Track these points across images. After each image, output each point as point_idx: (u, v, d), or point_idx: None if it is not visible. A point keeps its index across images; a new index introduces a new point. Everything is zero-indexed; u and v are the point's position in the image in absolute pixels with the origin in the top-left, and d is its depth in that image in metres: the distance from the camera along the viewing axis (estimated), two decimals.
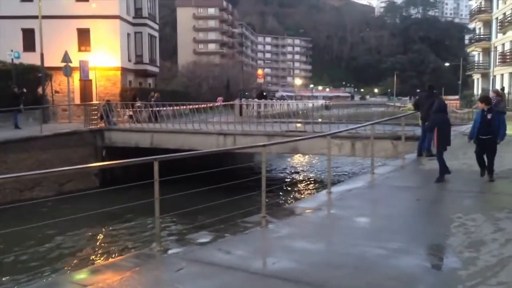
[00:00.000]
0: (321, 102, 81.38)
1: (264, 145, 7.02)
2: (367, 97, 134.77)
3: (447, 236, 5.93)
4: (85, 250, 12.28)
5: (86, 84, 32.42)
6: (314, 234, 6.30)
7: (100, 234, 13.48)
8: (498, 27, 47.32)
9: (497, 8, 49.68)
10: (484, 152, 8.97)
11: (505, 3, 45.55)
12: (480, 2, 55.48)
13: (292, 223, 6.82)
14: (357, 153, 16.40)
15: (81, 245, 12.57)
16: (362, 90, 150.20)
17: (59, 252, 11.89)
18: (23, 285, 9.02)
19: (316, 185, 20.59)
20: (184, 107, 26.09)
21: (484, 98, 9.17)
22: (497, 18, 49.36)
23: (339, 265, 5.01)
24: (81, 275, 5.06)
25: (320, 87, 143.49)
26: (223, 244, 5.73)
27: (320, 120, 31.04)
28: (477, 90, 57.25)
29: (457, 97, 70.32)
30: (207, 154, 6.67)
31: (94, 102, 27.68)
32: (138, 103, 24.78)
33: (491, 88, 48.66)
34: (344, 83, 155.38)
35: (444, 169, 9.15)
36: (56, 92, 31.05)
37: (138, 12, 38.05)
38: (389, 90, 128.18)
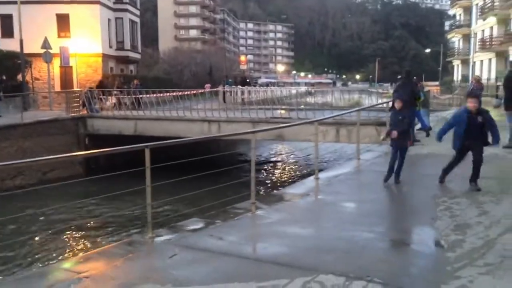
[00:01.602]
0: (303, 88, 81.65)
1: (253, 132, 7.04)
2: (349, 83, 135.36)
3: (433, 219, 6.05)
4: (76, 238, 12.26)
5: (66, 71, 31.96)
6: (303, 220, 6.38)
7: (90, 222, 13.44)
8: (479, 13, 47.78)
9: None
10: (460, 159, 7.71)
11: None
12: None
13: (281, 209, 6.89)
14: (342, 139, 16.55)
15: (71, 233, 12.54)
16: (344, 76, 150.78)
17: (50, 241, 11.85)
18: (13, 274, 8.97)
19: (303, 171, 20.71)
20: (168, 94, 25.93)
21: (474, 95, 7.50)
22: (477, 4, 49.81)
23: (330, 250, 5.09)
24: (74, 263, 5.06)
25: (302, 74, 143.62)
26: (214, 231, 5.77)
27: (302, 106, 31.15)
28: (457, 76, 57.98)
29: (437, 83, 71.17)
30: (198, 141, 6.62)
31: (76, 89, 27.33)
32: (114, 91, 24.57)
33: (470, 74, 49.34)
34: (326, 69, 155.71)
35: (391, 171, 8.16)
36: (36, 79, 30.59)
37: None
38: (370, 76, 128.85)
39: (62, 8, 32.83)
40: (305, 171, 20.25)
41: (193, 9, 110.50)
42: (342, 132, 16.27)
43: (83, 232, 12.78)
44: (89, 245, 11.22)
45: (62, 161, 19.09)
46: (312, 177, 8.77)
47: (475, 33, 49.84)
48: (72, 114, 21.01)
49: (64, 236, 12.29)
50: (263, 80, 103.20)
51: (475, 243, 5.17)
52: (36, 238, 11.66)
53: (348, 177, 8.94)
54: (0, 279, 7.54)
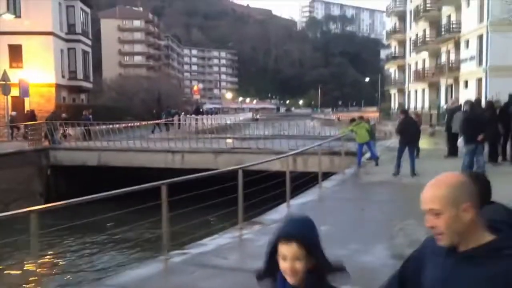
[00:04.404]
0: (249, 115, 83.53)
1: (240, 168, 8.35)
2: (292, 108, 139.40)
3: (392, 237, 7.56)
4: (98, 260, 12.86)
5: (18, 101, 31.91)
6: None
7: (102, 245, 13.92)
8: (412, 47, 51.73)
9: (410, 29, 54.30)
10: None
11: (417, 25, 50.00)
12: (395, 23, 60.24)
13: (267, 233, 8.15)
14: (298, 167, 18.04)
15: (93, 255, 13.20)
16: (287, 101, 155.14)
17: (68, 265, 12.63)
18: None
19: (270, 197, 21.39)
20: (126, 125, 26.69)
21: None
22: (410, 38, 53.90)
23: None
24: (112, 279, 6.09)
25: (247, 99, 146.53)
26: (219, 252, 6.98)
27: (247, 134, 32.65)
28: (394, 103, 61.95)
29: (375, 108, 75.46)
30: (213, 174, 7.40)
31: (37, 121, 27.47)
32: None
33: (406, 103, 52.96)
34: (269, 95, 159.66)
35: None
36: None
37: (71, 28, 37.98)
38: (312, 102, 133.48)
39: (15, 39, 32.97)
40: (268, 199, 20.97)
41: (138, 35, 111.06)
42: (298, 161, 17.80)
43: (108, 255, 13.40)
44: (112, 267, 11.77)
45: (23, 192, 19.59)
46: (285, 204, 10.10)
47: (409, 65, 53.81)
48: (35, 146, 21.34)
49: (88, 259, 13.01)
50: (207, 106, 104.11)
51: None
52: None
53: (315, 204, 10.39)
54: None
